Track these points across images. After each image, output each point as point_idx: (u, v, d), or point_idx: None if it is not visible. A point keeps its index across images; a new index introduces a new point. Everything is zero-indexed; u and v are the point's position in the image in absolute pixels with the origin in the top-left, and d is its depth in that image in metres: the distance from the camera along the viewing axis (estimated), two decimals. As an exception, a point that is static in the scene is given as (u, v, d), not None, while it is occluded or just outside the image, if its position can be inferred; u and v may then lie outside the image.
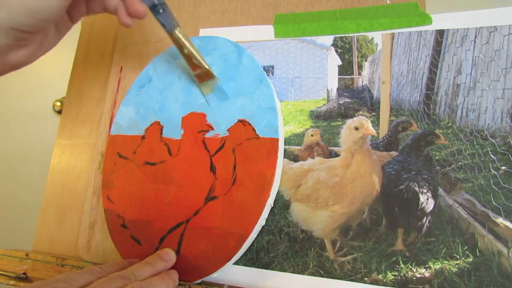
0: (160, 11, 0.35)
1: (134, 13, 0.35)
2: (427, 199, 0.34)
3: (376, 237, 0.34)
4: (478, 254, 0.31)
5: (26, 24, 0.30)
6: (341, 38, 0.41)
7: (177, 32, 0.37)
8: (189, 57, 0.38)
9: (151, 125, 0.42)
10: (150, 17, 0.51)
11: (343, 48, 0.41)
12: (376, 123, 0.38)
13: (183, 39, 0.37)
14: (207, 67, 0.39)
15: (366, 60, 0.40)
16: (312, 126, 0.40)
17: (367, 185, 0.36)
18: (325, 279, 0.34)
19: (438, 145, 0.35)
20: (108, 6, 0.36)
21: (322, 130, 0.39)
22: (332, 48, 0.42)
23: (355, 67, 0.41)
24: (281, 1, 0.45)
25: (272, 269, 0.36)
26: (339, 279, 0.34)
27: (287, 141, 0.39)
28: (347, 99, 0.40)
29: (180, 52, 0.38)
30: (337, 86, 0.41)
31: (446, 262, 0.32)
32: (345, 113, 0.40)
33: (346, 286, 0.34)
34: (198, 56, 0.38)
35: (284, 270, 0.36)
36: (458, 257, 0.32)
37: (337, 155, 0.38)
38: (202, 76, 0.40)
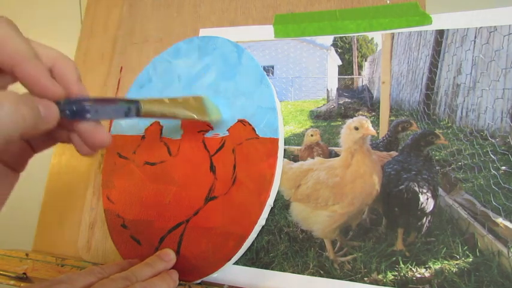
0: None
1: (96, 144, 0.26)
2: (427, 199, 0.34)
3: (376, 237, 0.34)
4: (478, 254, 0.31)
5: None
6: (341, 38, 0.41)
7: (143, 108, 0.30)
8: (173, 115, 0.34)
9: (151, 125, 0.42)
10: (150, 16, 0.51)
11: (343, 48, 0.41)
12: (376, 123, 0.38)
13: (154, 109, 0.31)
14: (181, 100, 0.35)
15: (365, 60, 0.40)
16: (312, 126, 0.40)
17: (367, 185, 0.36)
18: (325, 279, 0.34)
19: (438, 145, 0.35)
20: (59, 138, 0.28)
21: (322, 130, 0.39)
22: (332, 48, 0.42)
23: (355, 67, 0.41)
24: (281, 1, 0.45)
25: (272, 269, 0.36)
26: (339, 279, 0.34)
27: (287, 141, 0.39)
28: (347, 99, 0.40)
29: (163, 117, 0.33)
30: (337, 86, 0.41)
31: (446, 262, 0.32)
32: (344, 113, 0.40)
33: (346, 286, 0.34)
34: (173, 109, 0.33)
35: (284, 270, 0.36)
36: (458, 257, 0.32)
37: (337, 155, 0.38)
38: (192, 111, 0.35)
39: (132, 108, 0.28)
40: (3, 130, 0.20)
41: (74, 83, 0.26)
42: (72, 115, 0.24)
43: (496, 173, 0.33)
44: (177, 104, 0.34)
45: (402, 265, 0.33)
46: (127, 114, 0.28)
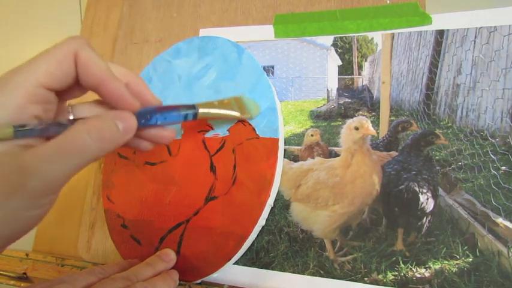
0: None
1: (165, 142, 0.30)
2: (427, 199, 0.34)
3: (376, 237, 0.34)
4: (478, 254, 0.31)
5: None
6: (341, 38, 0.41)
7: (200, 111, 0.33)
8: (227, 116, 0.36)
9: (151, 125, 0.42)
10: (150, 16, 0.51)
11: (343, 48, 0.41)
12: (376, 123, 0.38)
13: (210, 111, 0.34)
14: (236, 110, 0.36)
15: (366, 60, 0.40)
16: (312, 126, 0.40)
17: (367, 185, 0.36)
18: (325, 279, 0.34)
19: (438, 145, 0.35)
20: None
21: (322, 130, 0.39)
22: (332, 48, 0.42)
23: (355, 67, 0.41)
24: (281, 1, 0.45)
25: (272, 269, 0.36)
26: (339, 279, 0.34)
27: (287, 141, 0.39)
28: (347, 99, 0.40)
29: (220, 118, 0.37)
30: (337, 86, 0.41)
31: (446, 262, 0.32)
32: (345, 113, 0.40)
33: (346, 286, 0.34)
34: (221, 111, 0.36)
35: (284, 270, 0.36)
36: (458, 257, 0.32)
37: (337, 155, 0.38)
38: (237, 110, 0.37)
39: (190, 113, 0.32)
40: (90, 155, 0.23)
41: (150, 96, 0.29)
42: (145, 123, 0.28)
43: (496, 173, 0.33)
44: (224, 106, 0.36)
45: (402, 265, 0.33)
46: (186, 118, 0.31)
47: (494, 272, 0.31)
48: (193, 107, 0.32)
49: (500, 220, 0.32)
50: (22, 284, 0.39)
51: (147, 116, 0.28)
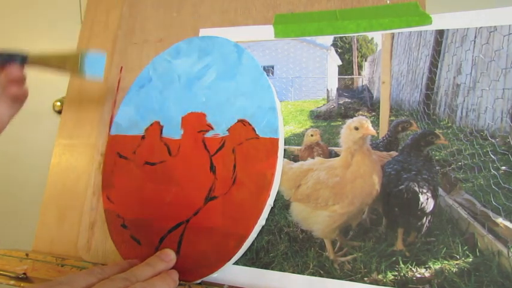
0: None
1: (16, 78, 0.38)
2: (427, 199, 0.34)
3: (376, 237, 0.34)
4: (478, 254, 0.31)
5: None
6: (341, 38, 0.41)
7: (31, 57, 0.39)
8: (59, 62, 0.40)
9: (151, 125, 0.42)
10: (150, 16, 0.51)
11: (343, 48, 0.41)
12: (376, 123, 0.38)
13: (41, 56, 0.40)
14: (68, 53, 0.40)
15: (365, 60, 0.40)
16: (312, 126, 0.40)
17: (367, 185, 0.36)
18: (325, 279, 0.34)
19: (438, 145, 0.35)
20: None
21: (322, 130, 0.39)
22: (332, 48, 0.42)
23: (355, 67, 0.41)
24: (281, 1, 0.45)
25: (272, 269, 0.36)
26: (339, 279, 0.34)
27: (287, 141, 0.39)
28: (347, 99, 0.40)
29: (50, 67, 0.40)
30: (337, 86, 0.41)
31: (446, 262, 0.32)
32: (344, 113, 0.40)
33: (346, 286, 0.34)
34: (57, 56, 0.40)
35: (284, 270, 0.36)
36: (458, 257, 0.32)
37: (337, 155, 0.38)
38: (74, 64, 0.41)
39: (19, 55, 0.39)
40: None
41: None
42: None
43: (496, 173, 0.33)
44: (59, 57, 0.40)
45: (402, 265, 0.33)
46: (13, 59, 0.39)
47: (494, 272, 0.31)
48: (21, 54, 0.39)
49: (500, 220, 0.32)
50: (22, 284, 0.39)
51: None
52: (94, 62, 0.41)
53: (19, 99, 0.40)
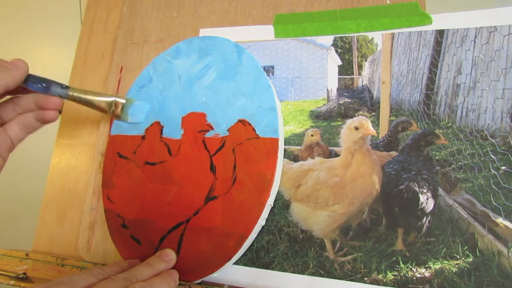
0: (44, 85, 0.37)
1: (52, 106, 0.37)
2: (427, 199, 0.34)
3: (376, 237, 0.34)
4: (478, 254, 0.31)
5: None
6: (341, 38, 0.41)
7: (70, 93, 0.38)
8: (98, 107, 0.40)
9: (151, 125, 0.42)
10: (150, 16, 0.51)
11: (343, 48, 0.41)
12: (376, 123, 0.38)
13: (81, 96, 0.39)
14: (112, 99, 0.41)
15: (366, 60, 0.40)
16: (312, 126, 0.40)
17: (367, 185, 0.36)
18: (325, 279, 0.34)
19: (438, 145, 0.35)
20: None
21: (322, 130, 0.39)
22: (332, 48, 0.42)
23: (355, 67, 0.41)
24: (281, 1, 0.45)
25: (272, 269, 0.36)
26: (339, 279, 0.34)
27: (287, 141, 0.39)
28: (347, 99, 0.40)
29: (88, 106, 0.40)
30: (337, 86, 0.41)
31: (446, 262, 0.32)
32: (345, 113, 0.40)
33: (346, 286, 0.34)
34: (101, 98, 0.40)
35: (284, 270, 0.36)
36: (458, 257, 0.32)
37: (337, 155, 0.38)
38: (116, 111, 0.42)
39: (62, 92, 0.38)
40: None
41: None
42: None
43: (496, 173, 0.33)
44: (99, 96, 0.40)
45: (402, 265, 0.33)
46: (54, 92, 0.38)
47: (494, 272, 0.31)
48: (66, 87, 0.38)
49: (500, 220, 0.32)
50: (22, 284, 0.39)
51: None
52: (138, 109, 0.43)
53: (45, 122, 0.39)
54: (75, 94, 0.39)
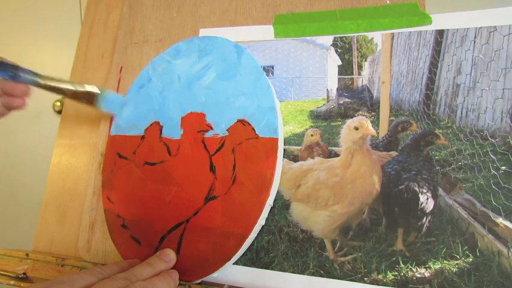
0: (11, 72, 0.37)
1: (19, 93, 0.37)
2: (427, 199, 0.34)
3: (376, 237, 0.34)
4: (478, 254, 0.31)
5: None
6: (341, 38, 0.41)
7: (39, 80, 0.38)
8: (70, 93, 0.40)
9: (150, 125, 0.42)
10: (150, 16, 0.51)
11: (343, 48, 0.41)
12: (376, 123, 0.38)
13: (50, 84, 0.39)
14: (84, 89, 0.41)
15: (365, 60, 0.40)
16: (311, 126, 0.40)
17: (367, 185, 0.36)
18: (325, 279, 0.34)
19: (438, 145, 0.35)
20: None
21: (322, 130, 0.39)
22: (332, 48, 0.42)
23: (355, 67, 0.41)
24: (281, 1, 0.45)
25: (272, 269, 0.36)
26: (339, 279, 0.34)
27: (287, 141, 0.39)
28: (347, 99, 0.40)
29: (59, 93, 0.40)
30: (337, 86, 0.41)
31: (446, 262, 0.32)
32: (344, 113, 0.40)
33: (346, 286, 0.34)
34: (73, 86, 0.40)
35: (284, 270, 0.36)
36: (458, 257, 0.32)
37: (337, 155, 0.38)
38: (89, 99, 0.41)
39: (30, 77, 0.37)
40: None
41: None
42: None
43: (496, 173, 0.33)
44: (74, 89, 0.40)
45: (402, 265, 0.33)
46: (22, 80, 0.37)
47: (494, 272, 0.31)
48: (35, 74, 0.38)
49: (500, 220, 0.32)
50: (22, 284, 0.39)
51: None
52: (111, 101, 0.43)
53: (13, 109, 0.39)
54: (45, 82, 0.38)
